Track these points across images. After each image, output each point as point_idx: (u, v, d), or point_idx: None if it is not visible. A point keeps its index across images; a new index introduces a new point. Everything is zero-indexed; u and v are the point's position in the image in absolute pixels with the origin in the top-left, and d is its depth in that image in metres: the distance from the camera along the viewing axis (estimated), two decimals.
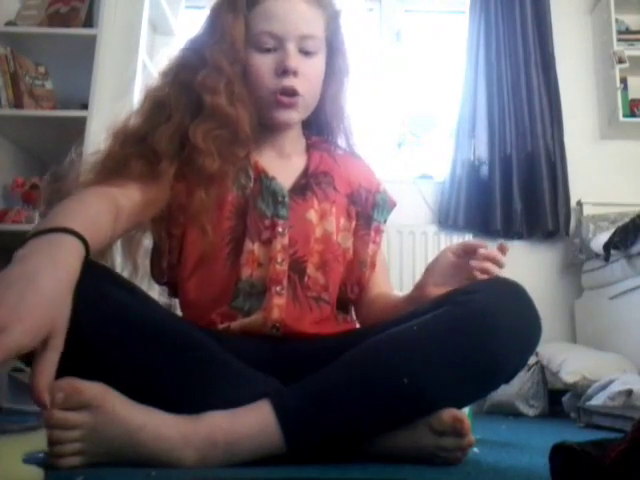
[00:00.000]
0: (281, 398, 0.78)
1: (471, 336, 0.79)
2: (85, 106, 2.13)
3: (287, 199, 1.01)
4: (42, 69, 2.27)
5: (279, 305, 0.96)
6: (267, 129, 1.06)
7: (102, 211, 0.82)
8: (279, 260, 0.97)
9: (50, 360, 0.62)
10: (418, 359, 0.79)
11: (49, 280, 0.63)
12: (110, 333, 0.76)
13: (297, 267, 0.99)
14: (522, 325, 0.84)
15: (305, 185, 1.05)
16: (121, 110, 1.01)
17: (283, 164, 1.07)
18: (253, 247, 0.97)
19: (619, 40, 2.85)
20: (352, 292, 1.10)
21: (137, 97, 2.23)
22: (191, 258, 0.99)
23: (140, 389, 0.77)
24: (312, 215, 1.03)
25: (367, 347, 0.82)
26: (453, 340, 0.79)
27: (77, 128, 2.06)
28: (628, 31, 2.97)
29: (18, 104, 2.15)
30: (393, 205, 1.16)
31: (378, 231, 1.12)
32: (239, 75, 1.00)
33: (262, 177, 1.02)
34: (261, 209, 0.99)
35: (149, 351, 0.78)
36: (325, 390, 0.78)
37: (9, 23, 2.26)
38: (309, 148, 1.12)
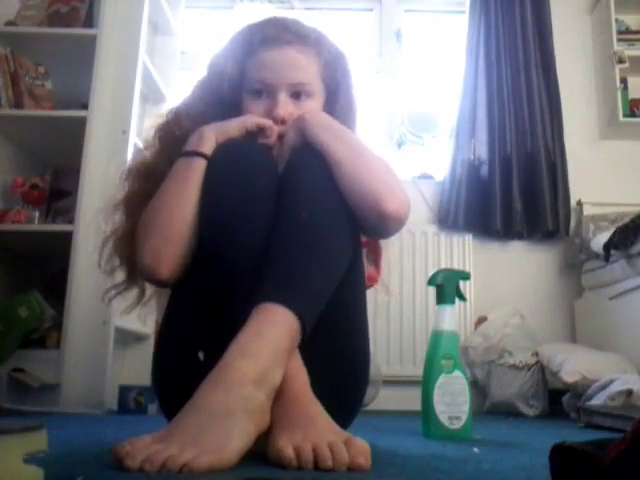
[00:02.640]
0: (266, 296, 0.79)
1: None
2: (85, 106, 2.14)
3: None
4: (42, 69, 2.27)
5: None
6: None
7: None
8: None
9: None
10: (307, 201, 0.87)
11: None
12: None
13: None
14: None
15: None
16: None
17: None
18: None
19: (619, 40, 2.86)
20: None
21: (137, 98, 2.23)
22: None
23: None
24: None
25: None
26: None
27: (77, 128, 2.07)
28: (628, 31, 2.97)
29: (18, 104, 2.15)
30: None
31: None
32: (223, 113, 1.04)
33: None
34: None
35: None
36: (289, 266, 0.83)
37: (9, 23, 2.26)
38: None
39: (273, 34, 1.06)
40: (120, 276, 1.04)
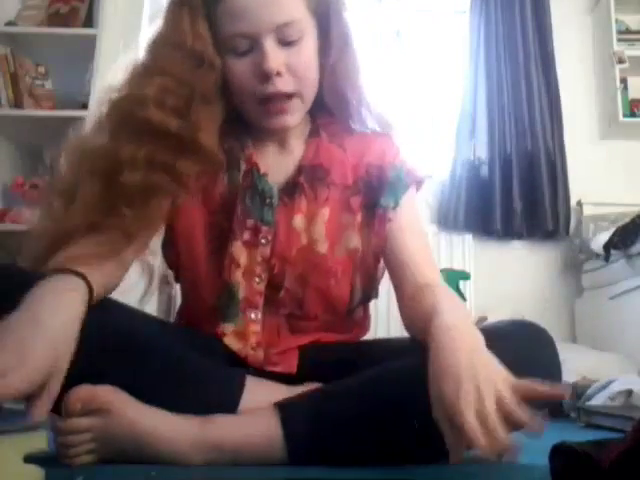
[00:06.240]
0: (290, 417, 0.76)
1: None
2: (85, 106, 2.13)
3: (275, 201, 0.93)
4: (42, 69, 2.27)
5: (255, 332, 0.91)
6: (267, 130, 0.95)
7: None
8: (257, 280, 0.91)
9: (50, 393, 0.65)
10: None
11: (51, 323, 0.66)
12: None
13: (274, 281, 0.92)
14: (545, 371, 0.78)
15: (296, 184, 0.94)
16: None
17: (282, 158, 0.97)
18: (234, 248, 0.91)
19: (619, 40, 2.85)
20: (366, 290, 0.99)
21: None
22: (178, 259, 0.97)
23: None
24: (298, 221, 0.93)
25: (384, 377, 0.78)
26: None
27: (77, 128, 2.07)
28: (628, 31, 2.97)
29: (18, 104, 2.15)
30: (414, 180, 0.99)
31: (383, 220, 0.95)
32: (199, 77, 0.86)
33: (253, 171, 0.93)
34: (247, 206, 0.92)
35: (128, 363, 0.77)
36: (335, 418, 0.76)
37: (9, 23, 2.26)
38: (312, 134, 0.99)
39: None
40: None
